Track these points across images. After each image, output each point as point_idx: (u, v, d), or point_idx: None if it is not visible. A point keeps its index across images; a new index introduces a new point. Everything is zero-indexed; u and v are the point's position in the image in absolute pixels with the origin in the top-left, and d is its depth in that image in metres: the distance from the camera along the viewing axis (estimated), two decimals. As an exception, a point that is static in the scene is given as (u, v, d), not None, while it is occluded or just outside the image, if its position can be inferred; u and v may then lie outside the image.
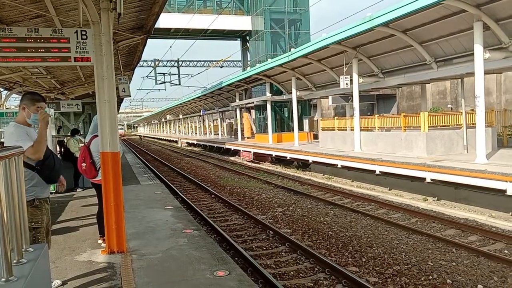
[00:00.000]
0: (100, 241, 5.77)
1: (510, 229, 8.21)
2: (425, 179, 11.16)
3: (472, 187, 9.87)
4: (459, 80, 15.70)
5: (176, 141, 53.32)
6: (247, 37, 40.61)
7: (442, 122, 13.87)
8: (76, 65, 9.89)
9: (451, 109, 21.84)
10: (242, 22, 38.53)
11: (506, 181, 8.86)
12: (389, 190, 12.86)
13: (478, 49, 10.53)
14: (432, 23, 12.11)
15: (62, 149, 12.19)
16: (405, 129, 14.24)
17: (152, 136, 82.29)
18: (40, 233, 3.72)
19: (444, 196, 10.96)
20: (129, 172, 15.71)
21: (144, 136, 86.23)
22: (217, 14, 33.66)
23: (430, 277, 5.99)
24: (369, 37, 14.14)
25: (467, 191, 10.17)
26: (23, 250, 2.29)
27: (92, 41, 5.18)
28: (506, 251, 7.06)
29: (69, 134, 12.43)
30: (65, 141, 11.96)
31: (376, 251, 7.27)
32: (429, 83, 18.08)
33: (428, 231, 8.30)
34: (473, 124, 12.57)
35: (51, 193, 4.59)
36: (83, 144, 10.17)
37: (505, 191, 8.91)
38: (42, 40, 5.19)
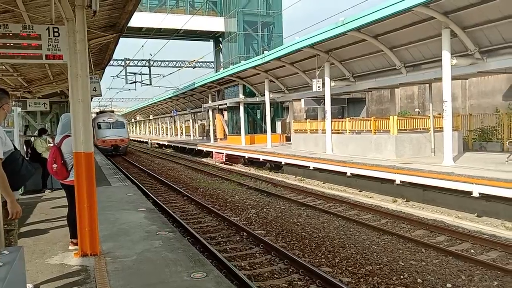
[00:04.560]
0: (71, 246, 5.58)
1: (476, 230, 8.51)
2: (394, 181, 11.43)
3: (439, 189, 10.19)
4: (427, 85, 16.19)
5: (146, 142, 52.50)
6: (220, 38, 40.57)
7: (411, 126, 14.26)
8: (45, 63, 9.62)
9: (419, 113, 22.46)
10: (215, 23, 38.44)
11: (472, 183, 9.19)
12: (360, 191, 13.09)
13: (446, 55, 10.90)
14: (402, 29, 12.43)
15: (29, 149, 11.77)
16: (375, 132, 14.56)
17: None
18: (13, 236, 3.61)
19: (413, 198, 11.26)
20: (99, 173, 15.33)
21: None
22: (189, 14, 33.43)
23: (401, 277, 6.15)
24: (341, 41, 14.38)
25: (435, 192, 10.48)
26: (-2, 253, 2.22)
27: (66, 39, 5.05)
28: (472, 251, 7.33)
29: (36, 133, 12.01)
30: (32, 141, 11.55)
31: (348, 251, 7.40)
32: (398, 88, 18.54)
33: (398, 231, 8.51)
34: (440, 128, 12.98)
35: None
36: (51, 144, 9.87)
37: (471, 192, 9.23)
38: (11, 36, 5.03)
